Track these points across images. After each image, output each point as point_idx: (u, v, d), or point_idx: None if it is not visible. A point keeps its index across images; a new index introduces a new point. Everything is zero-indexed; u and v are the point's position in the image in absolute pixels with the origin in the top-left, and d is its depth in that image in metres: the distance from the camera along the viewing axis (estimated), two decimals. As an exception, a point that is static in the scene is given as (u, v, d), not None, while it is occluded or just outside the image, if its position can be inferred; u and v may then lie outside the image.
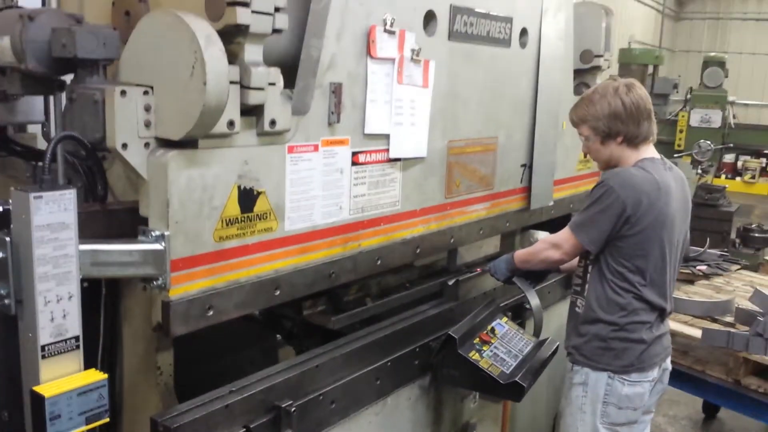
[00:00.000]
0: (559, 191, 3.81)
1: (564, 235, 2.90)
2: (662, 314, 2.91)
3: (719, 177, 14.43)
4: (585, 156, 4.02)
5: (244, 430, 2.14)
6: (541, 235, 3.79)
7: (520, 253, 3.10)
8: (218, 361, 2.73)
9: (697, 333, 3.85)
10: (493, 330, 3.00)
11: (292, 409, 2.22)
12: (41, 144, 2.76)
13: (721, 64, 10.98)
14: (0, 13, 2.15)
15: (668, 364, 3.02)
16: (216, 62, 1.81)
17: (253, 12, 1.92)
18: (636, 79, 3.00)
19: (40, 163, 2.44)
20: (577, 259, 3.05)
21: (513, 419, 3.73)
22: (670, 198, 2.79)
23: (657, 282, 2.83)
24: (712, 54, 12.28)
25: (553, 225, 3.73)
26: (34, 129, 2.86)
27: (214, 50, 1.81)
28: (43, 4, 2.97)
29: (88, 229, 1.88)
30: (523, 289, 3.20)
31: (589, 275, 2.92)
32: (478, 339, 2.90)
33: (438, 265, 3.37)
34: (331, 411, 2.44)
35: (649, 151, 2.89)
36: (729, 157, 15.97)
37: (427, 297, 3.18)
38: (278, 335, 3.18)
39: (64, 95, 2.14)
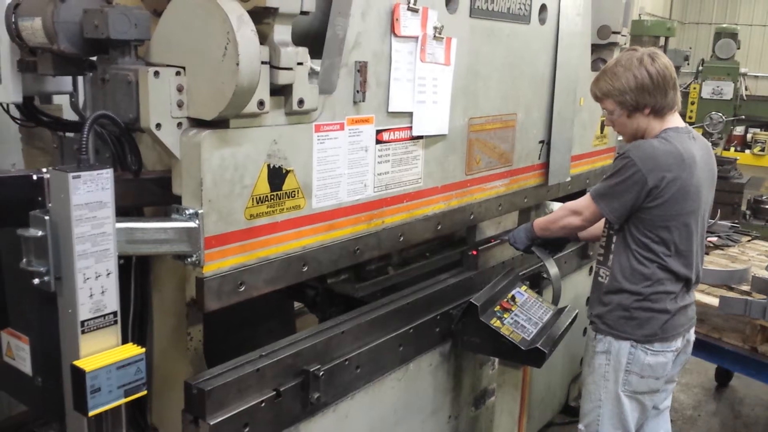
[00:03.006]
0: (576, 167, 3.83)
1: (585, 202, 2.90)
2: (688, 284, 2.88)
3: (728, 149, 14.37)
4: (602, 131, 4.03)
5: (275, 392, 2.21)
6: (556, 206, 3.81)
7: (539, 221, 3.12)
8: (239, 330, 2.78)
9: (713, 301, 3.87)
10: (513, 298, 3.05)
11: (320, 373, 2.30)
12: (68, 115, 2.75)
13: (734, 35, 10.86)
14: (31, -6, 2.16)
15: (692, 335, 3.01)
16: (248, 43, 1.83)
17: (281, -7, 1.94)
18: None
19: (69, 134, 2.51)
20: (594, 227, 3.06)
21: (530, 385, 3.79)
22: (695, 168, 2.74)
23: (683, 252, 2.80)
24: (725, 25, 12.13)
25: (569, 200, 3.76)
26: (59, 99, 2.84)
27: (246, 31, 1.83)
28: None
29: (121, 200, 1.89)
30: (542, 258, 3.24)
31: (613, 245, 2.90)
32: (498, 307, 2.96)
33: (457, 235, 3.40)
34: (356, 375, 2.52)
35: (675, 120, 2.83)
36: (738, 130, 15.87)
37: (447, 266, 3.24)
38: (302, 303, 3.23)
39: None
